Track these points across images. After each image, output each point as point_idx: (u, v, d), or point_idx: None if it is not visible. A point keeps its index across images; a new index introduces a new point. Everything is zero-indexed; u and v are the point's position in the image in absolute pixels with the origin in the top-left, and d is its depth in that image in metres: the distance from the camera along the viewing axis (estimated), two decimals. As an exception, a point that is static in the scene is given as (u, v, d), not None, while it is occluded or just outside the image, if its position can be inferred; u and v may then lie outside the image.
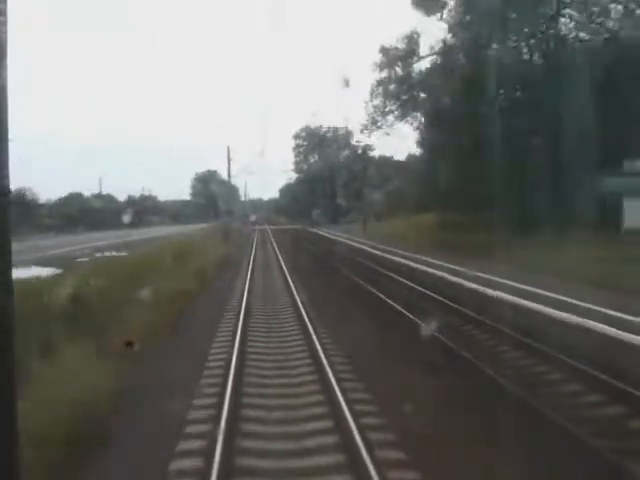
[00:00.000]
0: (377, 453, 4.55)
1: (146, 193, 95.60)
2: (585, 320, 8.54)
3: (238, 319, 10.30)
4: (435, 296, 12.59)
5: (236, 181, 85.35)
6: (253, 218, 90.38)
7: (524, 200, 21.71)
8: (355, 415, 5.38)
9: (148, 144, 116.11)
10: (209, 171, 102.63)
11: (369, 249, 25.93)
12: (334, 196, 74.50)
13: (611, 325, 8.12)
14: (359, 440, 4.69)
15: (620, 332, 7.79)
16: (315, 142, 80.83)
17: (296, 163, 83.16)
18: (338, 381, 6.41)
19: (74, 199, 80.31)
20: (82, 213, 67.36)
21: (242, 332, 9.17)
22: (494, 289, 11.82)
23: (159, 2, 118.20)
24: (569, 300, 10.04)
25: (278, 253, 26.56)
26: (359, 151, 70.66)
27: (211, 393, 6.50)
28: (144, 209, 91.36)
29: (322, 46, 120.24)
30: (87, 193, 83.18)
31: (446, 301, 11.94)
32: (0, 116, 1.99)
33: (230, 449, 4.83)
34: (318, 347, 8.04)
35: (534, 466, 4.46)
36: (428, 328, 8.62)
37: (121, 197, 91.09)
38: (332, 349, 8.35)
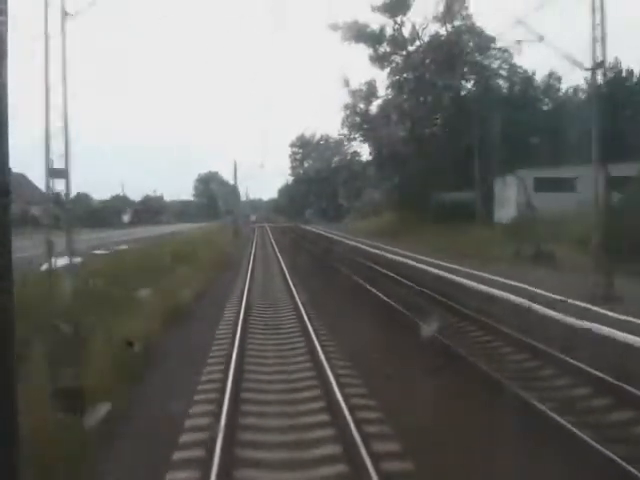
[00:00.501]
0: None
1: (156, 194, 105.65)
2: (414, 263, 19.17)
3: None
4: (356, 256, 23.83)
5: (237, 182, 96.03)
6: (253, 218, 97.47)
7: (438, 202, 33.21)
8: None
9: (150, 145, 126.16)
10: (210, 172, 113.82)
11: (322, 232, 41.41)
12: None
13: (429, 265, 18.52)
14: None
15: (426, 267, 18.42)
16: (309, 150, 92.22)
17: (292, 168, 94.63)
18: (291, 277, 17.71)
19: (82, 200, 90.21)
20: (87, 214, 76.17)
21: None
22: (385, 253, 22.94)
23: (161, 3, 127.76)
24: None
25: (271, 236, 41.49)
26: (348, 157, 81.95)
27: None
28: (153, 209, 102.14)
29: (322, 46, 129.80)
30: (110, 194, 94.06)
31: (361, 258, 23.23)
32: (0, 116, 1.99)
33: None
34: (281, 262, 19.67)
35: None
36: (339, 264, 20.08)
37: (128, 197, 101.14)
38: (289, 263, 19.77)
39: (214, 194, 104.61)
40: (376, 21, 38.57)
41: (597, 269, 11.46)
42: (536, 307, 9.98)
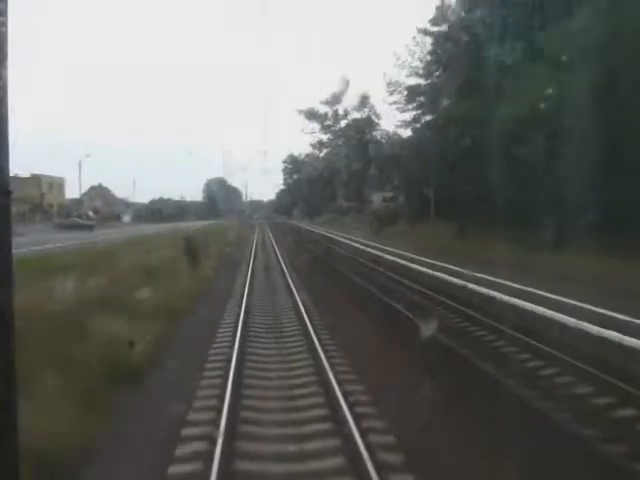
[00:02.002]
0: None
1: (184, 199, 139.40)
2: (316, 230, 54.57)
3: (255, 229, 58.16)
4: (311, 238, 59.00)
5: (241, 186, 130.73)
6: (255, 216, 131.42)
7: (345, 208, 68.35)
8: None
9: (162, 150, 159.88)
10: (218, 178, 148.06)
11: (295, 223, 73.96)
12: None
13: (322, 231, 54.13)
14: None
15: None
16: (297, 165, 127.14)
17: (284, 179, 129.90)
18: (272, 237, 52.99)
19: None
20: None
21: (257, 229, 56.71)
22: (305, 226, 58.07)
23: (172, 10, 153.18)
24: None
25: (266, 226, 74.76)
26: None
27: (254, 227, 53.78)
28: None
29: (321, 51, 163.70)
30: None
31: (297, 229, 58.30)
32: (1, 116, 2.08)
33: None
34: (269, 232, 55.02)
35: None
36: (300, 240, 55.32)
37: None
38: (272, 232, 54.83)
39: (215, 195, 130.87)
40: (322, 108, 73.92)
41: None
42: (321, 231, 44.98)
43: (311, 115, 73.88)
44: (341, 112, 74.06)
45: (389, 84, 40.86)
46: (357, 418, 6.07)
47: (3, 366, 2.08)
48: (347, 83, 71.78)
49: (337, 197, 78.38)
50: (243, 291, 14.96)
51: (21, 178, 64.95)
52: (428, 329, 8.87)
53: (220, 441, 5.42)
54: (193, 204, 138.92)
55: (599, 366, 7.56)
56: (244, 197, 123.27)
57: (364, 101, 72.44)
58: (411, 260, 19.75)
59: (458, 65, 29.31)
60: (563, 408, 6.54)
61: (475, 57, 26.58)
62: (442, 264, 17.23)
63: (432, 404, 6.36)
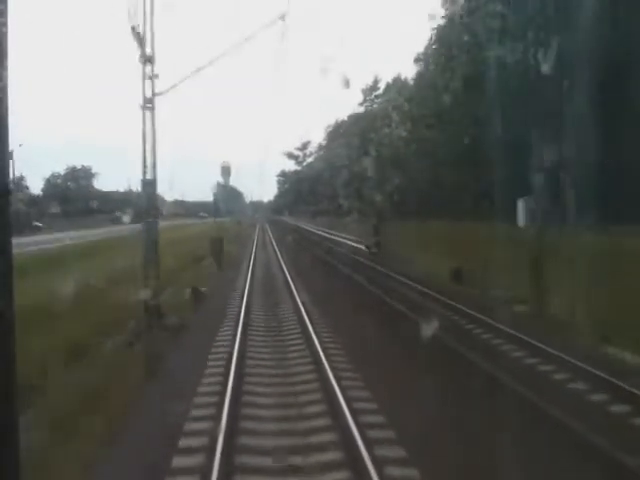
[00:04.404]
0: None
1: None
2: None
3: (257, 223, 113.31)
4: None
5: (242, 188, 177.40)
6: (256, 215, 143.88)
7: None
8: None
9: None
10: (224, 183, 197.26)
11: (284, 219, 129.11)
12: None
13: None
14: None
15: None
16: (288, 177, 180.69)
17: (278, 188, 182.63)
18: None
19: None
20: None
21: (259, 223, 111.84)
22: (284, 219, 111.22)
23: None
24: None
25: (265, 222, 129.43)
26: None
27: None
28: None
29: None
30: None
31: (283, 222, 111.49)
32: (0, 117, 2.14)
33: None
34: (266, 225, 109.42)
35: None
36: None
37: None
38: (268, 222, 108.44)
39: (220, 198, 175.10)
40: (296, 151, 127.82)
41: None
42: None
43: (289, 155, 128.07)
44: (308, 153, 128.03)
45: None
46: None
47: (4, 364, 2.02)
48: (309, 141, 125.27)
49: (309, 203, 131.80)
50: (255, 230, 69.53)
51: (121, 192, 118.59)
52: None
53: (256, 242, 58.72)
54: (205, 204, 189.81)
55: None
56: (246, 199, 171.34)
57: (320, 147, 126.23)
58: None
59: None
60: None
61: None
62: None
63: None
